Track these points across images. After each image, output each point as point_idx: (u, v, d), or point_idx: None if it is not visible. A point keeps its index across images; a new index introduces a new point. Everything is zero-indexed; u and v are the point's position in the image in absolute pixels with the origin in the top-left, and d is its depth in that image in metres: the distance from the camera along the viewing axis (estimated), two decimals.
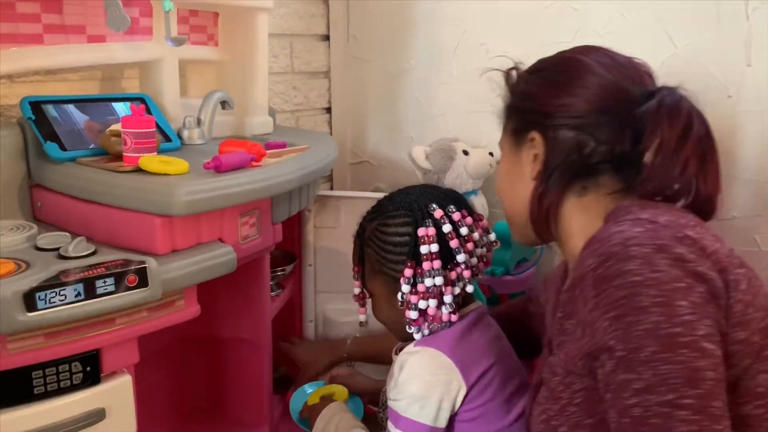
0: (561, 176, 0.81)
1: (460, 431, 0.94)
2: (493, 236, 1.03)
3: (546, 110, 0.82)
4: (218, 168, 1.01)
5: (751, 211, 1.33)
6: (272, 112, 1.52)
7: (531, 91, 0.86)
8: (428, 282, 0.92)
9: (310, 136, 1.51)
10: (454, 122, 1.71)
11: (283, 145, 1.28)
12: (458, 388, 0.92)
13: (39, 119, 1.07)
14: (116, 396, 0.93)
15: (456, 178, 1.52)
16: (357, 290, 1.06)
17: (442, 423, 0.92)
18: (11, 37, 1.05)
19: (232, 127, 1.44)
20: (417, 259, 0.93)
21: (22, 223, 1.00)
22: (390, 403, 0.96)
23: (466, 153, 1.54)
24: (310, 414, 1.14)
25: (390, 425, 0.95)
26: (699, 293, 0.64)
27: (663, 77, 1.36)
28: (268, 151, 1.18)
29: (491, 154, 1.56)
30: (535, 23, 1.54)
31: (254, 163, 1.09)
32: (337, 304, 1.55)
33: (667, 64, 1.37)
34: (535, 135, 0.83)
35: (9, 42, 1.05)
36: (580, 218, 0.82)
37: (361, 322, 1.08)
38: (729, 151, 1.33)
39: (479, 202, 1.58)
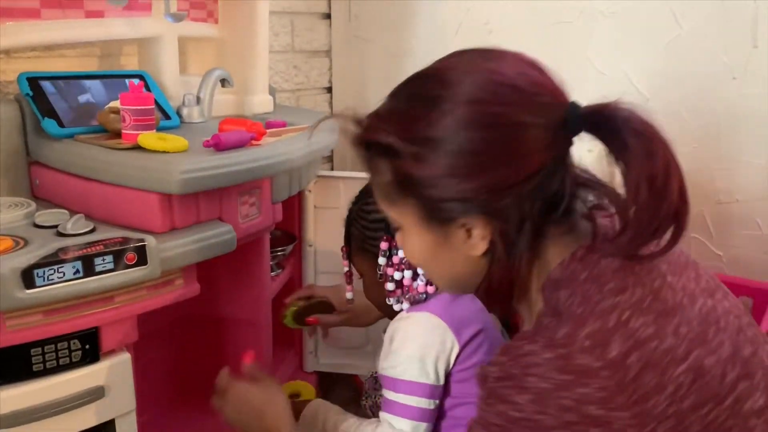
0: (513, 245, 0.66)
1: (455, 392, 0.97)
2: None
3: (478, 196, 0.63)
4: (217, 146, 1.00)
5: (753, 194, 1.32)
6: (272, 91, 1.51)
7: (456, 175, 0.62)
8: (401, 253, 0.96)
9: (311, 115, 1.49)
10: None
11: (284, 125, 1.27)
12: (452, 346, 0.95)
13: (37, 95, 1.06)
14: (115, 374, 0.93)
15: None
16: (345, 269, 1.11)
17: (441, 381, 0.95)
18: (7, 11, 1.04)
19: (232, 106, 1.43)
20: (392, 234, 0.96)
21: (21, 201, 0.99)
22: (385, 372, 0.97)
23: None
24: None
25: (388, 393, 0.96)
26: None
27: (668, 59, 1.35)
28: (268, 130, 1.17)
29: None
30: (538, 2, 1.52)
31: (254, 142, 1.08)
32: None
33: (672, 45, 1.35)
34: (469, 220, 0.65)
35: (5, 16, 1.03)
36: (535, 272, 0.69)
37: (348, 300, 1.15)
38: (733, 134, 1.32)
39: None
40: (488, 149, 0.61)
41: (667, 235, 0.63)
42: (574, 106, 0.64)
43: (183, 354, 1.37)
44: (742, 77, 1.30)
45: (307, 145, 1.18)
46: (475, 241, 0.66)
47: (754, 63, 1.28)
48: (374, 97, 1.84)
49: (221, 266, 1.26)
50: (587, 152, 1.49)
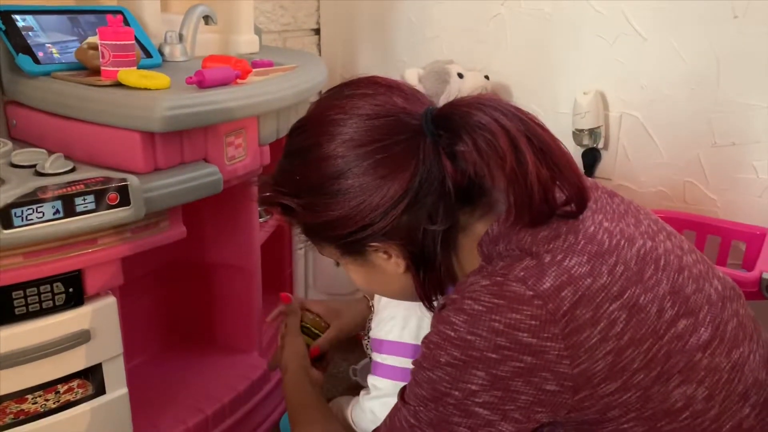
0: (432, 253, 0.68)
1: None
2: None
3: (373, 222, 0.65)
4: (201, 83, 0.96)
5: (750, 137, 1.30)
6: (258, 32, 1.45)
7: (345, 211, 0.66)
8: None
9: (299, 56, 1.45)
10: (449, 44, 1.65)
11: (270, 64, 1.22)
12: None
13: (9, 30, 1.01)
14: (101, 318, 0.91)
15: None
16: None
17: None
18: None
19: (217, 46, 1.38)
20: None
21: None
22: (372, 333, 0.95)
23: (461, 76, 1.48)
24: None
25: (375, 355, 0.94)
26: (513, 367, 0.59)
27: None
28: (254, 69, 1.12)
29: (487, 77, 1.51)
30: None
31: (239, 80, 1.04)
32: None
33: None
34: (379, 245, 0.68)
35: None
36: (466, 257, 0.71)
37: None
38: (732, 76, 1.29)
39: None
40: (364, 181, 0.65)
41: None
42: (427, 112, 0.66)
43: (173, 300, 1.36)
44: (743, 16, 1.26)
45: (295, 84, 1.15)
46: (395, 260, 0.70)
47: (756, 1, 1.24)
48: (364, 38, 1.80)
49: (208, 210, 1.24)
50: (582, 95, 1.46)
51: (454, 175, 0.64)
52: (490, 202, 0.69)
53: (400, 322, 0.91)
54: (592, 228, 0.65)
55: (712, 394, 0.63)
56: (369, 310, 1.05)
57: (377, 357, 0.94)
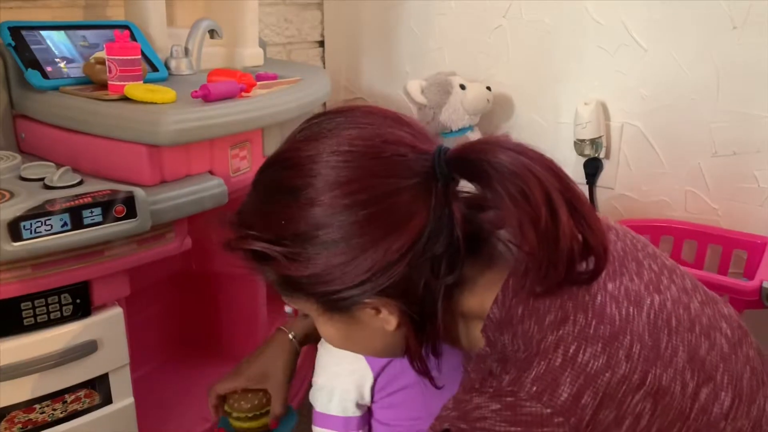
0: (432, 310, 0.60)
1: (385, 418, 0.88)
2: None
3: (369, 279, 0.56)
4: (207, 97, 0.98)
5: (751, 147, 1.30)
6: (263, 45, 1.47)
7: (336, 266, 0.56)
8: None
9: (303, 68, 1.46)
10: (451, 56, 1.66)
11: (275, 77, 1.24)
12: (362, 376, 0.86)
13: (19, 46, 1.03)
14: (108, 328, 0.92)
15: (452, 113, 1.49)
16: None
17: (353, 412, 0.87)
18: None
19: (222, 59, 1.40)
20: None
21: (5, 153, 0.97)
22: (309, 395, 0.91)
23: (463, 87, 1.50)
24: None
25: (313, 424, 0.91)
26: None
27: (667, 8, 1.32)
28: (258, 83, 1.14)
29: (489, 88, 1.53)
30: None
31: (244, 94, 1.06)
32: None
33: None
34: (370, 302, 0.59)
35: None
36: (466, 316, 0.65)
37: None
38: (732, 86, 1.30)
39: (475, 138, 1.55)
40: (363, 230, 0.55)
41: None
42: (439, 152, 0.57)
43: (177, 310, 1.37)
44: (742, 27, 1.27)
45: (299, 97, 1.16)
46: (384, 317, 0.60)
47: (754, 12, 1.25)
48: (368, 50, 1.82)
49: (214, 221, 1.25)
50: (584, 105, 1.47)
51: (464, 224, 0.57)
52: (491, 252, 0.62)
53: (327, 394, 0.87)
54: (599, 297, 0.59)
55: None
56: (289, 344, 0.93)
57: (313, 426, 0.90)
